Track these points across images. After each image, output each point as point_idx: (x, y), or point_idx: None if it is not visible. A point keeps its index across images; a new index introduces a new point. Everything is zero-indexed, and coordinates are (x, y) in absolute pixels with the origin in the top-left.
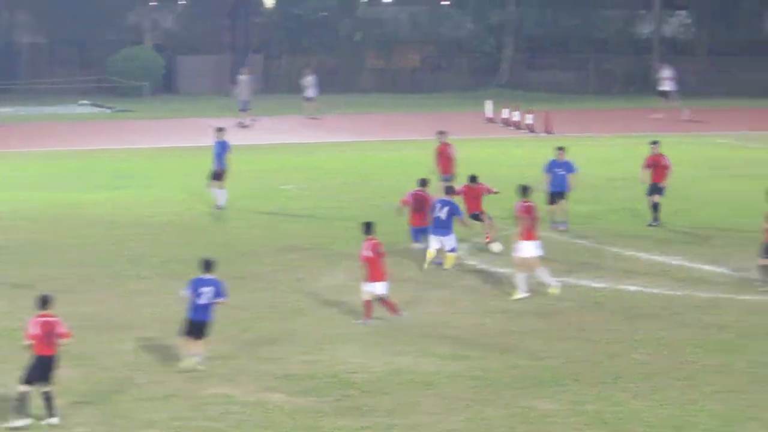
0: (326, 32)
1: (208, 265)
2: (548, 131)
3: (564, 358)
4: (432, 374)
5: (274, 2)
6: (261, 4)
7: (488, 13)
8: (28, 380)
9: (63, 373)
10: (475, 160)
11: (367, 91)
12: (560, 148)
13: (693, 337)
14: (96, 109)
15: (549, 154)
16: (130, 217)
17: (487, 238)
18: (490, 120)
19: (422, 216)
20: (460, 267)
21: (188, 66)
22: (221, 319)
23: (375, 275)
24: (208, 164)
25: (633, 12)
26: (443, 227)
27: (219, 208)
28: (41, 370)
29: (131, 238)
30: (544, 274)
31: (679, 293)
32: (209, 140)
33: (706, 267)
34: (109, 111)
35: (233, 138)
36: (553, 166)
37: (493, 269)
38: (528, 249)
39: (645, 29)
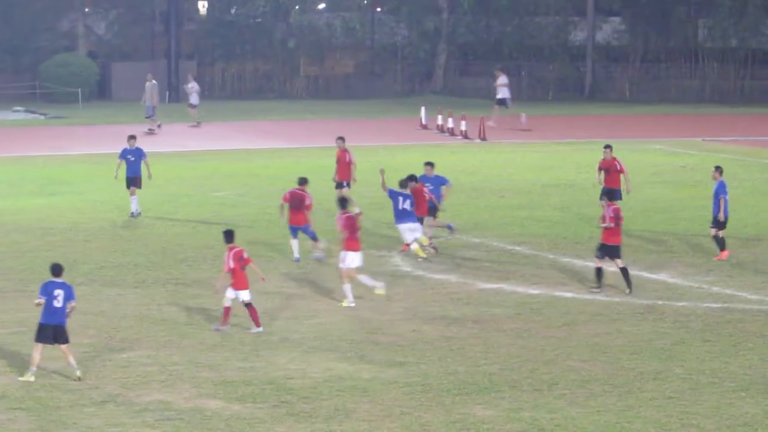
0: (260, 39)
1: (57, 270)
2: (482, 138)
3: (501, 365)
4: (369, 381)
5: (207, 9)
6: (195, 10)
7: (422, 19)
8: None
9: None
10: (410, 167)
11: (301, 98)
12: (428, 164)
13: (630, 343)
14: (30, 116)
15: (485, 160)
16: (64, 223)
17: (404, 248)
18: (425, 126)
19: (299, 214)
20: (396, 273)
21: (122, 72)
22: (161, 323)
23: (239, 284)
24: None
25: (566, 19)
26: (409, 216)
27: (134, 215)
28: None
29: (65, 244)
30: (365, 279)
31: (615, 300)
32: (144, 147)
33: (643, 274)
34: (42, 117)
35: (160, 145)
36: (423, 182)
37: (430, 276)
38: (351, 260)
39: (578, 36)
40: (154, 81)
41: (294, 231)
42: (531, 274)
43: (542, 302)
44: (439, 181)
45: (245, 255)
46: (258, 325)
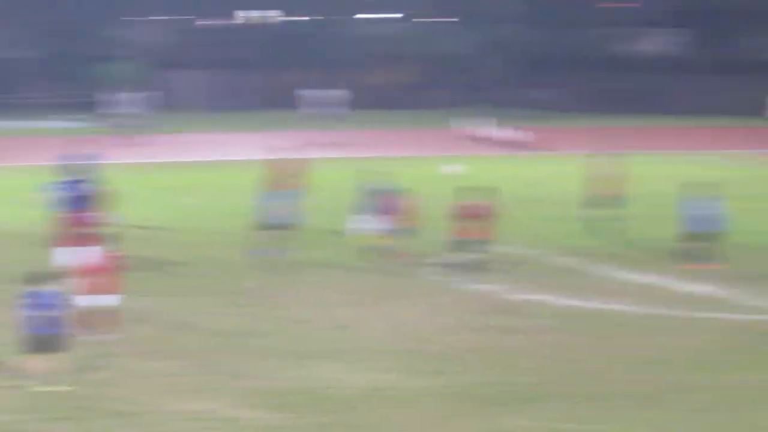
0: None
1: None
2: None
3: (544, 376)
4: (413, 391)
5: None
6: None
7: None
8: None
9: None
10: None
11: None
12: None
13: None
14: None
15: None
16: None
17: None
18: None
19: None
20: (436, 283)
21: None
22: (203, 333)
23: None
24: None
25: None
26: None
27: None
28: None
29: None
30: None
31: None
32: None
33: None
34: None
35: None
36: None
37: (473, 286)
38: None
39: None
40: None
41: None
42: (577, 286)
43: (586, 314)
44: None
45: None
46: None
